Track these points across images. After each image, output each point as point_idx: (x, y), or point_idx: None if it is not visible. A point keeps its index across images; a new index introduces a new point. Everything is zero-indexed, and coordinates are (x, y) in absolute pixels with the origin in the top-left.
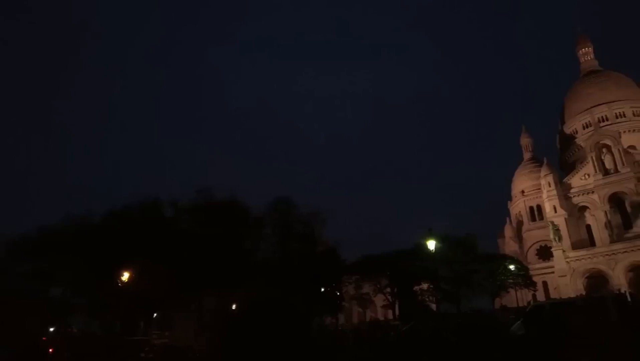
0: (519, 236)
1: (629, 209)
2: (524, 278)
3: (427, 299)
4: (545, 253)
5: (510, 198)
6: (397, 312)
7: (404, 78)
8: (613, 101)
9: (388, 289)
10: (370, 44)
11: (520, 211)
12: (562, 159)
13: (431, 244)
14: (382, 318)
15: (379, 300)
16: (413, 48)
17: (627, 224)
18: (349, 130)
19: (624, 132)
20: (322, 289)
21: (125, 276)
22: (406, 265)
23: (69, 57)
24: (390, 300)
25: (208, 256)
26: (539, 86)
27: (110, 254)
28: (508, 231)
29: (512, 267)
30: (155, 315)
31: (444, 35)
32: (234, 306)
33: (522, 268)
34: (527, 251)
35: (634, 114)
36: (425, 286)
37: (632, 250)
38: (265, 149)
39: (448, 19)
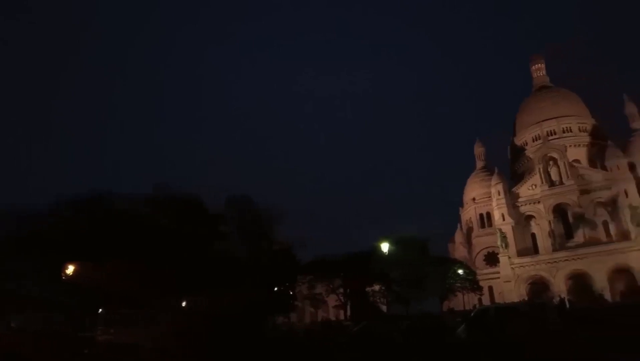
0: (468, 242)
1: (571, 219)
2: (472, 283)
3: (378, 300)
4: (492, 258)
5: (462, 205)
6: (348, 313)
7: (404, 78)
8: (561, 116)
9: (341, 290)
10: (370, 44)
11: (470, 218)
12: (512, 169)
13: (384, 247)
14: (333, 318)
15: (332, 300)
16: (413, 48)
17: (569, 234)
18: (349, 130)
19: (570, 146)
20: (276, 289)
21: (70, 269)
22: (360, 267)
23: (69, 57)
24: (343, 301)
25: (162, 251)
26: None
27: (53, 245)
28: (458, 237)
29: (460, 271)
30: (100, 310)
31: (444, 35)
32: (184, 303)
33: (470, 273)
34: (476, 256)
35: (579, 130)
36: (377, 287)
37: (573, 259)
38: (265, 149)
39: (448, 19)
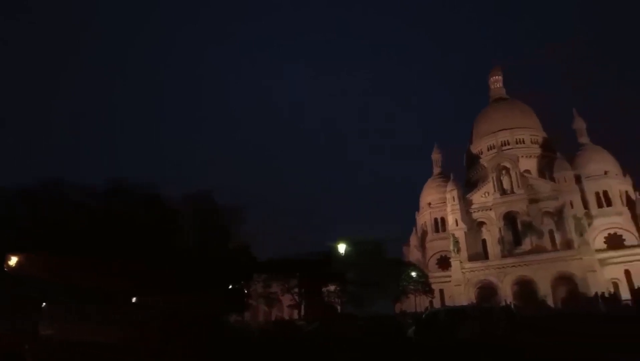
0: (422, 245)
1: (520, 227)
2: (424, 285)
3: (333, 300)
4: (444, 262)
5: (418, 209)
6: (302, 312)
7: (404, 78)
8: (515, 128)
9: (296, 290)
10: (370, 44)
11: (425, 222)
12: (467, 176)
13: (342, 248)
14: (287, 318)
15: (286, 300)
16: (413, 48)
17: (518, 241)
18: (348, 130)
19: (522, 157)
20: (230, 287)
21: (13, 260)
22: (317, 267)
23: (69, 57)
24: (297, 300)
25: (113, 245)
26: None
27: None
28: (413, 240)
29: (414, 274)
30: (44, 305)
31: (444, 35)
32: (134, 299)
33: (423, 276)
34: (429, 260)
35: (531, 141)
36: (332, 288)
37: (519, 265)
38: (266, 149)
39: (448, 19)
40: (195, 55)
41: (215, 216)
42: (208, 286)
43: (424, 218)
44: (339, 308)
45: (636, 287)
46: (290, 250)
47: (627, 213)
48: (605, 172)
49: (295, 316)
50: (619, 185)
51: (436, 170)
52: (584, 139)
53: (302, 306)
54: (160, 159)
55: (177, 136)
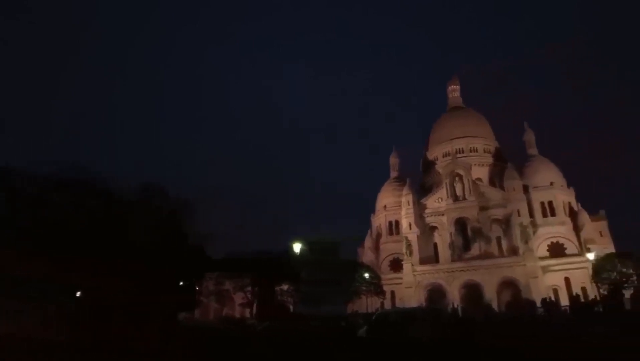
0: (376, 247)
1: (469, 233)
2: (376, 287)
3: (286, 300)
4: (397, 265)
5: (374, 211)
6: (254, 311)
7: (404, 78)
8: (470, 136)
9: (249, 288)
10: (370, 44)
11: (380, 224)
12: (423, 181)
13: (297, 248)
14: (238, 316)
15: (239, 298)
16: (413, 48)
17: (467, 246)
18: (349, 130)
19: (475, 165)
20: (181, 283)
21: None
22: (271, 266)
23: (69, 57)
24: (250, 299)
25: (55, 235)
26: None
27: None
28: (368, 242)
29: (367, 275)
30: None
31: (444, 35)
32: (79, 294)
33: (376, 277)
34: (382, 261)
35: (484, 150)
36: (286, 287)
37: (468, 270)
38: (266, 149)
39: (448, 19)
40: (195, 55)
41: (167, 211)
42: (158, 282)
43: (379, 220)
44: (291, 307)
45: (574, 294)
46: (249, 248)
47: (569, 223)
48: (551, 184)
49: (247, 315)
50: (563, 196)
51: (393, 174)
52: (532, 150)
53: (255, 305)
54: (161, 159)
55: (177, 136)
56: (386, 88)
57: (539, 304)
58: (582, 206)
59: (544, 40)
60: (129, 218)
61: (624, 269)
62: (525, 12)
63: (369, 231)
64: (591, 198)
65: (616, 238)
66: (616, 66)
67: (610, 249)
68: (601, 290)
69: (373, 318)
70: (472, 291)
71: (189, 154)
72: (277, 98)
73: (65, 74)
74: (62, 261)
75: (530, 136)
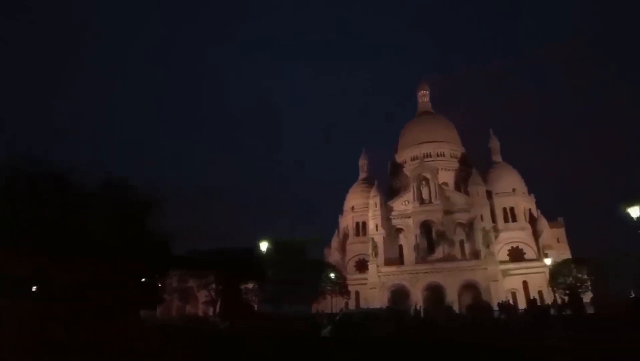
0: (343, 248)
1: (434, 236)
2: (341, 287)
3: (251, 298)
4: (362, 266)
5: (342, 212)
6: (218, 309)
7: (404, 78)
8: (437, 141)
9: (213, 286)
10: (370, 44)
11: (348, 225)
12: (391, 183)
13: (263, 246)
14: (201, 314)
15: (202, 296)
16: (413, 48)
17: (431, 249)
18: (348, 130)
19: (441, 169)
20: (144, 280)
21: None
22: (237, 264)
23: (69, 57)
24: (214, 297)
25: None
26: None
27: None
28: (335, 242)
29: (332, 276)
30: None
31: (444, 35)
32: (35, 288)
33: (341, 278)
34: (348, 262)
35: (451, 156)
36: (250, 286)
37: (431, 272)
38: (266, 149)
39: (448, 19)
40: (195, 55)
41: (131, 205)
42: (118, 278)
43: (347, 221)
44: (255, 306)
45: (532, 297)
46: (218, 246)
47: (529, 229)
48: (513, 190)
49: (211, 313)
50: (524, 203)
51: (362, 175)
52: (497, 157)
53: (218, 303)
54: (161, 159)
55: (177, 136)
56: (386, 88)
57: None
58: (542, 212)
59: (544, 40)
60: (89, 211)
61: (579, 275)
62: (525, 12)
63: (336, 232)
64: (551, 205)
65: (572, 244)
66: (616, 65)
67: (567, 255)
68: (557, 294)
69: (337, 318)
70: (435, 293)
71: (189, 154)
72: (277, 98)
73: (65, 74)
74: (15, 253)
75: (495, 143)
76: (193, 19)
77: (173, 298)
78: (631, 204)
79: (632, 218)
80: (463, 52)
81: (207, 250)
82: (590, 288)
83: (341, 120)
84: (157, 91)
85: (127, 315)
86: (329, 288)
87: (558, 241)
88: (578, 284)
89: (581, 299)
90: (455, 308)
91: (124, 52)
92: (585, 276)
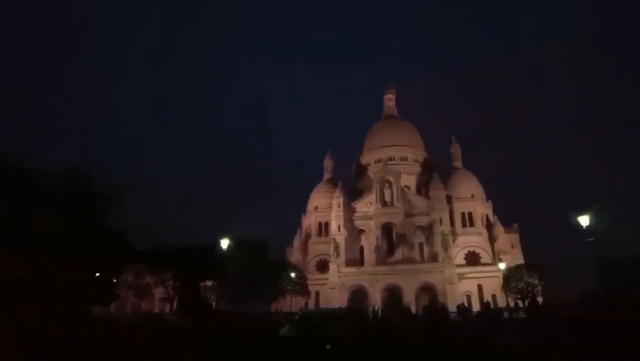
0: (305, 248)
1: (395, 238)
2: (302, 287)
3: (209, 296)
4: (323, 266)
5: (305, 212)
6: (175, 306)
7: (404, 78)
8: (401, 145)
9: (171, 283)
10: (370, 44)
11: (310, 225)
12: (355, 185)
13: (224, 244)
14: (157, 311)
15: (159, 292)
16: (413, 48)
17: (391, 251)
18: (349, 129)
19: (404, 173)
20: (98, 275)
21: None
22: (196, 261)
23: (69, 57)
24: (171, 294)
25: None
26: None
27: None
28: (297, 242)
29: (293, 275)
30: None
31: (444, 35)
32: None
33: (302, 277)
34: (309, 262)
35: (414, 160)
36: (209, 283)
37: (390, 273)
38: (266, 149)
39: (448, 19)
40: (195, 55)
41: (89, 197)
42: (71, 273)
43: (310, 221)
44: (214, 304)
45: (485, 301)
46: (181, 242)
47: (485, 234)
48: (472, 196)
49: (167, 310)
50: (481, 208)
51: (326, 176)
52: (457, 163)
53: (175, 301)
54: (160, 159)
55: (177, 136)
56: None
57: (453, 309)
58: (498, 218)
59: (544, 40)
60: (41, 202)
61: (531, 280)
62: (525, 12)
63: (298, 231)
64: (507, 211)
65: (525, 250)
66: (616, 66)
67: (520, 260)
68: (510, 298)
69: (296, 317)
70: (393, 294)
71: (189, 154)
72: (277, 98)
73: (65, 74)
74: None
75: (456, 149)
76: (193, 19)
77: (128, 294)
78: (581, 213)
79: (582, 226)
80: (463, 52)
81: (168, 246)
82: (540, 292)
83: (337, 120)
84: (157, 91)
85: (78, 310)
86: (289, 287)
87: (512, 247)
88: (529, 289)
89: (538, 303)
90: (413, 309)
91: (124, 52)
92: (537, 281)
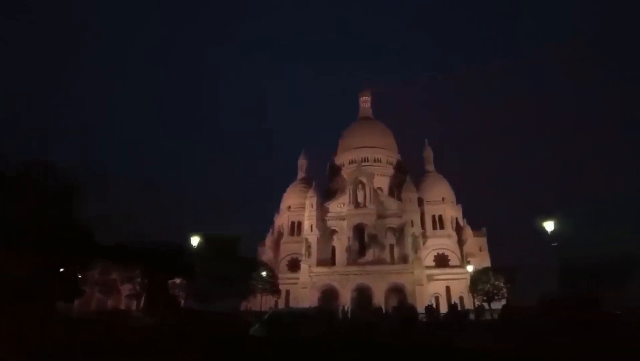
0: (276, 247)
1: (366, 239)
2: (272, 286)
3: (178, 294)
4: (295, 265)
5: (278, 211)
6: (142, 304)
7: (404, 78)
8: (375, 147)
9: (139, 279)
10: (370, 44)
11: (283, 224)
12: (328, 185)
13: (195, 241)
14: (123, 308)
15: (126, 289)
16: (413, 48)
17: (363, 252)
18: (325, 129)
19: (377, 174)
20: (62, 270)
21: None
22: (165, 258)
23: (69, 57)
24: (138, 291)
25: None
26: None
27: None
28: (269, 241)
29: (264, 274)
30: None
31: (444, 35)
32: None
33: (273, 276)
34: (281, 261)
35: (387, 162)
36: (178, 281)
37: (360, 274)
38: (266, 149)
39: (448, 19)
40: (196, 55)
41: (53, 191)
42: (35, 267)
43: (282, 220)
44: (182, 302)
45: (453, 302)
46: (150, 238)
47: (454, 237)
48: (443, 199)
49: (134, 307)
50: (451, 211)
51: (300, 175)
52: (429, 166)
53: (143, 298)
54: (160, 159)
55: (177, 136)
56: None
57: (421, 310)
58: (467, 222)
59: (544, 40)
60: (5, 195)
61: (497, 283)
62: (525, 12)
63: (270, 230)
64: (476, 215)
65: (493, 253)
66: (616, 66)
67: (487, 263)
68: (476, 300)
69: (266, 316)
70: (363, 295)
71: (189, 154)
72: (277, 98)
73: (65, 74)
74: None
75: (428, 153)
76: (193, 19)
77: (94, 291)
78: (547, 219)
79: (546, 231)
80: (463, 52)
81: (135, 241)
82: (506, 295)
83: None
84: (157, 91)
85: (40, 306)
86: (259, 286)
87: (480, 250)
88: (495, 291)
89: (511, 306)
90: (382, 309)
91: (124, 52)
92: (502, 284)
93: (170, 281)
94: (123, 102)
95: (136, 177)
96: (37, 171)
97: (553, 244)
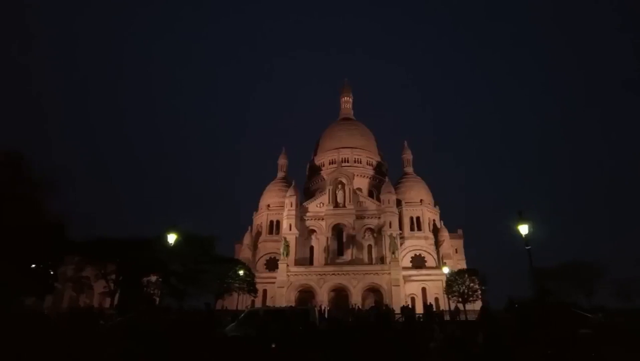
0: (255, 245)
1: (345, 239)
2: (249, 285)
3: (152, 292)
4: (272, 264)
5: (257, 209)
6: (116, 301)
7: (404, 78)
8: (355, 148)
9: (113, 276)
10: (371, 44)
11: (262, 223)
12: (308, 185)
13: (171, 238)
14: (97, 306)
15: (99, 286)
16: (413, 48)
17: (341, 252)
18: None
19: (357, 175)
20: (33, 266)
21: None
22: (139, 254)
23: (69, 57)
24: (112, 288)
25: None
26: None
27: None
28: (247, 239)
29: (241, 272)
30: None
31: (444, 35)
32: None
33: (250, 275)
34: (259, 260)
35: (367, 163)
36: (153, 278)
37: (338, 274)
38: (266, 149)
39: (448, 19)
40: (195, 55)
41: (22, 184)
42: (3, 262)
43: (261, 218)
44: (157, 300)
45: (428, 303)
46: (124, 233)
47: (431, 238)
48: (421, 201)
49: (107, 304)
50: (429, 213)
51: (280, 174)
52: (408, 169)
53: (117, 295)
54: (160, 159)
55: (177, 136)
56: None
57: (397, 310)
58: (444, 224)
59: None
60: None
61: (472, 284)
62: (525, 12)
63: (249, 228)
64: (454, 217)
65: (468, 255)
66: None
67: (463, 265)
68: (451, 301)
69: (242, 315)
70: (340, 295)
71: (189, 154)
72: (277, 98)
73: (65, 73)
74: None
75: (408, 155)
76: (193, 19)
77: (66, 288)
78: (520, 222)
79: (521, 234)
80: (463, 52)
81: (110, 237)
82: (480, 296)
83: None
84: (157, 90)
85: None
86: (236, 284)
87: (456, 252)
88: (469, 293)
89: (488, 308)
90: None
91: (124, 52)
92: (477, 286)
93: (145, 279)
94: (123, 103)
95: (111, 175)
96: (4, 164)
97: (526, 248)
